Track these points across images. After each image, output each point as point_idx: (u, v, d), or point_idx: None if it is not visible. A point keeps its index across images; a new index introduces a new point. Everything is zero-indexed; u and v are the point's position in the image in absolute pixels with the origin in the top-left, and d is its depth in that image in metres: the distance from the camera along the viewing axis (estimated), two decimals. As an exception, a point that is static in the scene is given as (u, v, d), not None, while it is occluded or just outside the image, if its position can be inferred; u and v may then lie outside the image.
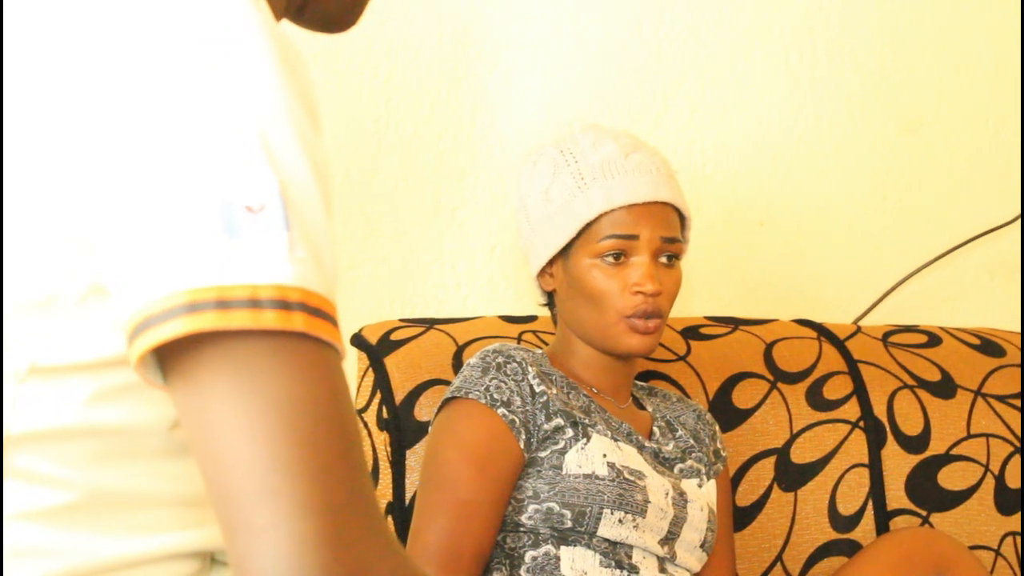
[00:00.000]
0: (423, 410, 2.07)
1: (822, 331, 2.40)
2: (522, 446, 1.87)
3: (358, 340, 2.18)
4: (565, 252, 1.98)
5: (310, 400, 0.89)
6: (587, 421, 1.90)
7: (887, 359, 2.37)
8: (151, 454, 1.00)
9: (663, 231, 1.95)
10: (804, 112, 2.65)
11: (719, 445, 2.09)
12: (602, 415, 1.95)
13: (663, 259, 1.96)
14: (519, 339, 2.19)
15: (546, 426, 1.88)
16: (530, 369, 1.91)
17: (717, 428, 2.10)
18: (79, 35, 0.96)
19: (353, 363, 2.19)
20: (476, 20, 2.42)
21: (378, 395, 2.11)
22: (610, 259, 1.94)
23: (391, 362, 2.13)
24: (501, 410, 1.87)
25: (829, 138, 2.66)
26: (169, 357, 0.90)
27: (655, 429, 2.01)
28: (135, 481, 1.00)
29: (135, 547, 1.00)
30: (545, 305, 2.07)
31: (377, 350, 2.15)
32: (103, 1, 0.96)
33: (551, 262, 2.01)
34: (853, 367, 2.34)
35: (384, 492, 2.08)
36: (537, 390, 1.89)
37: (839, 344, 2.37)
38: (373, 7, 2.36)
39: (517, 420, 1.87)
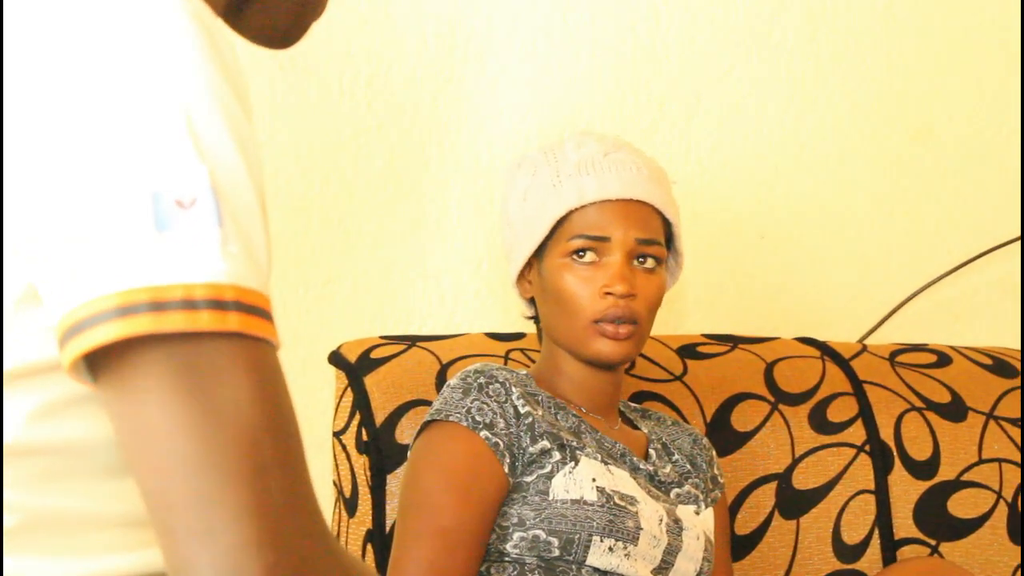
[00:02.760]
0: (405, 432, 2.08)
1: (826, 350, 2.40)
2: (506, 470, 1.86)
3: (336, 358, 2.19)
4: (540, 254, 1.99)
5: (246, 401, 0.92)
6: (575, 443, 1.89)
7: (894, 380, 2.38)
8: (96, 472, 1.01)
9: (638, 232, 1.95)
10: (806, 119, 2.67)
11: (716, 471, 2.07)
12: (593, 435, 1.94)
13: (641, 262, 1.97)
14: (506, 357, 2.19)
15: (531, 449, 1.87)
16: (514, 390, 1.90)
17: (714, 453, 2.09)
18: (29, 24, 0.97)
19: (331, 382, 2.20)
20: (462, 23, 2.45)
21: (357, 416, 2.12)
22: (580, 258, 1.95)
23: (371, 381, 2.13)
24: (484, 433, 1.86)
25: (833, 146, 2.69)
26: (100, 359, 0.92)
27: (651, 451, 2.00)
28: (80, 501, 1.01)
29: (81, 570, 1.00)
30: (531, 319, 2.07)
31: (356, 369, 2.15)
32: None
33: (528, 266, 2.02)
34: (858, 388, 2.34)
35: (364, 519, 2.10)
36: (522, 411, 1.89)
37: (843, 364, 2.38)
38: (354, 8, 2.38)
39: (501, 443, 1.86)
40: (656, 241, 1.97)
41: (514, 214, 2.03)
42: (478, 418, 1.87)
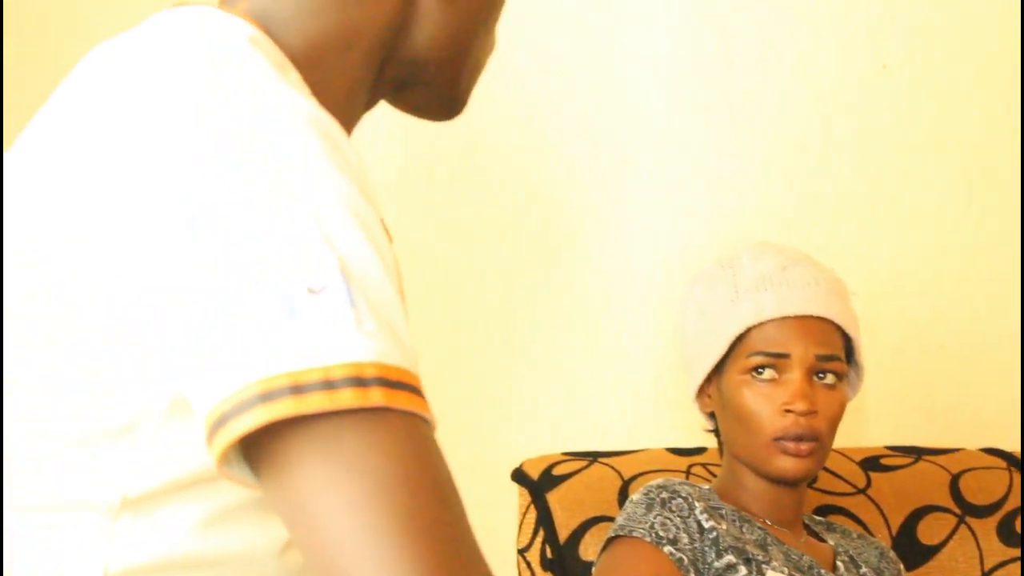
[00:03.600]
0: (589, 549, 2.08)
1: (1012, 460, 2.35)
2: None
3: (519, 475, 2.20)
4: (719, 370, 1.99)
5: (399, 471, 0.92)
6: (761, 557, 1.87)
7: None
8: None
9: (818, 348, 1.94)
10: (984, 227, 2.60)
11: (905, 585, 2.05)
12: (780, 548, 1.92)
13: (820, 378, 1.95)
14: (688, 472, 2.19)
15: (717, 564, 1.85)
16: (697, 504, 1.89)
17: (902, 567, 2.05)
18: (128, 142, 1.00)
19: (515, 499, 2.21)
20: (634, 137, 2.46)
21: (541, 533, 2.13)
22: (760, 375, 1.94)
23: (554, 498, 2.14)
24: (668, 548, 1.85)
25: (1011, 254, 2.61)
26: (251, 450, 0.93)
27: (839, 563, 1.98)
28: None
29: None
30: (711, 432, 2.06)
31: (539, 485, 2.17)
32: (146, 110, 1.00)
33: (708, 381, 2.01)
34: None
35: (550, 636, 2.10)
36: (706, 526, 1.87)
37: None
38: (524, 126, 2.36)
39: (685, 558, 1.84)
40: (836, 357, 1.95)
41: (692, 329, 2.02)
42: (662, 533, 1.86)
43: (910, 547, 2.20)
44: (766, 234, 2.44)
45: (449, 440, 2.09)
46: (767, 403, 1.93)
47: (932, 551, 2.21)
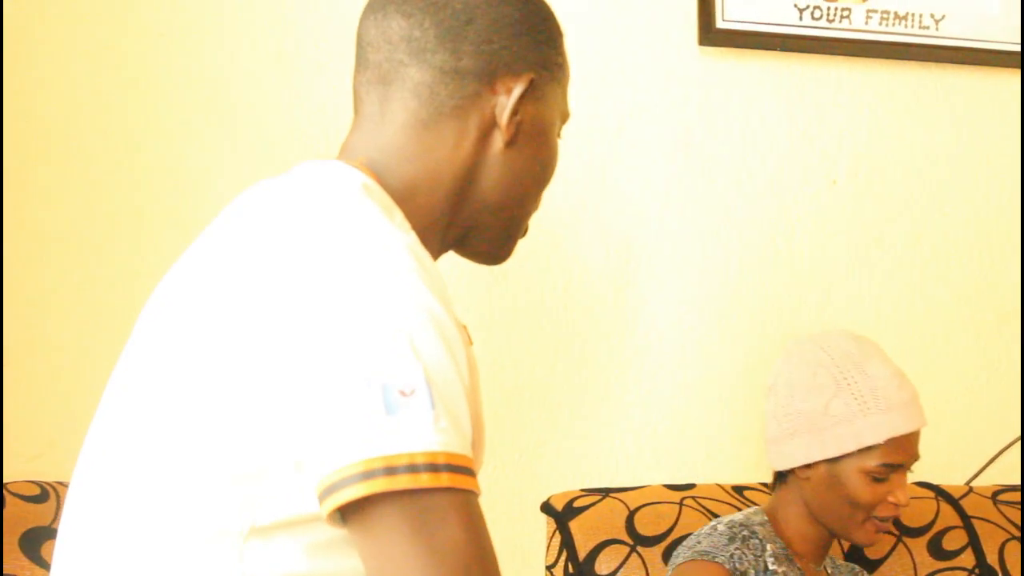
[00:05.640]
0: (602, 566, 2.18)
1: (939, 492, 2.45)
2: None
3: (547, 507, 2.29)
4: (835, 457, 2.01)
5: (460, 539, 1.04)
6: None
7: (997, 515, 2.43)
8: None
9: (917, 453, 2.02)
10: (916, 305, 2.67)
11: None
12: None
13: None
14: (680, 504, 2.27)
15: None
16: (768, 547, 1.98)
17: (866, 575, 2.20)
18: (277, 269, 1.12)
19: (543, 526, 2.32)
20: (636, 238, 2.52)
21: (564, 553, 2.22)
22: (876, 476, 1.99)
23: (574, 525, 2.23)
24: None
25: (939, 326, 2.70)
26: (350, 511, 1.05)
27: None
28: None
29: None
30: (776, 477, 2.12)
31: (562, 516, 2.25)
32: (291, 247, 1.12)
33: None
34: (967, 522, 2.40)
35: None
36: (771, 567, 1.96)
37: (954, 503, 2.43)
38: (551, 232, 2.50)
39: None
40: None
41: (813, 419, 2.00)
42: (737, 565, 1.93)
43: (859, 561, 2.30)
44: (741, 315, 2.53)
45: (497, 478, 2.25)
46: (877, 494, 1.98)
47: (877, 564, 2.31)
